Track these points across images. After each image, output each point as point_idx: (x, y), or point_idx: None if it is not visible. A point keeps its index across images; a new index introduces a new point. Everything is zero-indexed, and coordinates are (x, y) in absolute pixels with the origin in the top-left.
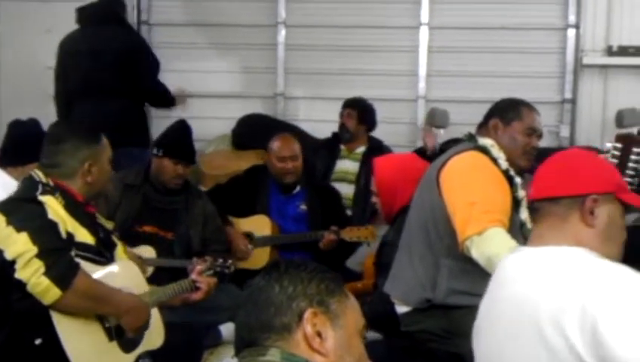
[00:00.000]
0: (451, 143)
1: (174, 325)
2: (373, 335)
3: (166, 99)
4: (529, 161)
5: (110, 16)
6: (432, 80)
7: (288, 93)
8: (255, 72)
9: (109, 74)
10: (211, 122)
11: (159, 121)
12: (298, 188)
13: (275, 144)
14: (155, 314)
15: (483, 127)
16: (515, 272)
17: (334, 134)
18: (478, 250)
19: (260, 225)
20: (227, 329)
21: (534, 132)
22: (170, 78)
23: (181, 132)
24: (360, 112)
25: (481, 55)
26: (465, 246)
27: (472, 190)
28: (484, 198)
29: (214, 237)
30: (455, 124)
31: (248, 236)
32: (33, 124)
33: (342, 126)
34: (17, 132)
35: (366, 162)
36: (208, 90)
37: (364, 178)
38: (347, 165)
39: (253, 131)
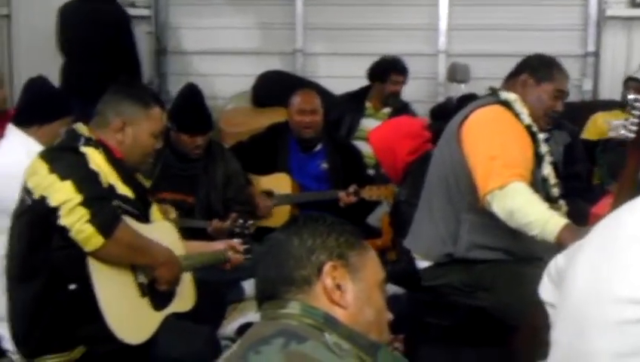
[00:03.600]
0: (468, 99)
1: (198, 282)
2: (395, 288)
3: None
4: (548, 124)
5: None
6: (453, 34)
7: (307, 50)
8: (273, 27)
9: (105, 41)
10: (230, 79)
11: (177, 78)
12: (319, 147)
13: (296, 98)
14: (187, 278)
15: (511, 80)
16: None
17: (362, 90)
18: (499, 204)
19: (280, 183)
20: (250, 285)
21: (561, 95)
22: (188, 34)
23: (191, 103)
24: (405, 77)
25: (503, 8)
26: (486, 201)
27: (494, 144)
28: (506, 153)
29: (236, 197)
30: (476, 78)
31: (268, 194)
32: (43, 82)
33: (394, 94)
34: (33, 91)
35: None
36: (226, 47)
37: None
38: (372, 124)
39: (273, 88)
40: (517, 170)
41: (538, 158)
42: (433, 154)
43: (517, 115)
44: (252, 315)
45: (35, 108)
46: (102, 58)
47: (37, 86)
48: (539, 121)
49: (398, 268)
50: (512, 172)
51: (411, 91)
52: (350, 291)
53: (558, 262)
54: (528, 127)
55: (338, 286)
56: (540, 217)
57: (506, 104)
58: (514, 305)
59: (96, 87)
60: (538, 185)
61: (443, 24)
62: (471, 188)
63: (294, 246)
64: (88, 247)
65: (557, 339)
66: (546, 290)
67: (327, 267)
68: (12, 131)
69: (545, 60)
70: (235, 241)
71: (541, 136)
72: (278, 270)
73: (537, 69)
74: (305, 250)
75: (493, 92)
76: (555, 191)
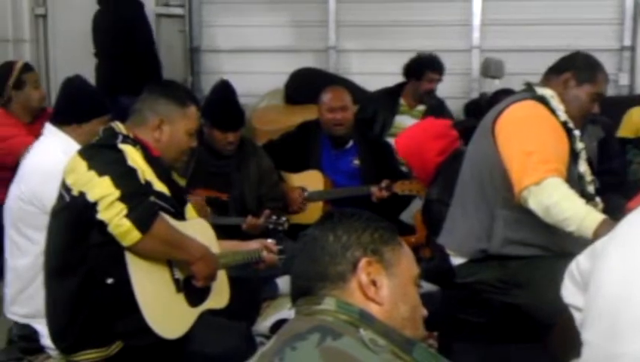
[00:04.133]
0: (502, 94)
1: (232, 279)
2: (429, 286)
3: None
4: (581, 125)
5: None
6: (487, 29)
7: (340, 47)
8: (306, 25)
9: (113, 42)
10: (263, 77)
11: (210, 76)
12: (351, 143)
13: (326, 95)
14: (222, 276)
15: (552, 76)
16: None
17: (397, 86)
18: (535, 200)
19: (312, 180)
20: (283, 282)
21: (599, 98)
22: (221, 33)
23: (223, 99)
24: (442, 74)
25: (537, 2)
26: (522, 197)
27: (529, 139)
28: (542, 148)
29: (270, 194)
30: (510, 73)
31: (301, 191)
32: (81, 81)
33: (429, 92)
34: (70, 90)
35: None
36: (259, 45)
37: None
38: (406, 121)
39: (306, 86)
40: (553, 165)
41: (574, 155)
42: (467, 150)
43: (553, 111)
44: (286, 312)
45: (72, 107)
46: (120, 59)
47: (74, 85)
48: (573, 121)
49: (432, 265)
50: (548, 167)
51: (445, 87)
52: (385, 287)
53: (579, 263)
54: (564, 124)
55: (373, 282)
56: (577, 213)
57: (542, 100)
58: (549, 302)
59: (117, 87)
60: (574, 182)
61: (476, 19)
62: (505, 183)
63: (329, 243)
64: (126, 242)
65: (588, 340)
66: (569, 293)
67: (362, 263)
68: (50, 130)
69: (590, 62)
70: (270, 241)
71: (577, 132)
72: (313, 266)
73: (582, 69)
74: (340, 246)
75: (529, 87)
76: (591, 189)
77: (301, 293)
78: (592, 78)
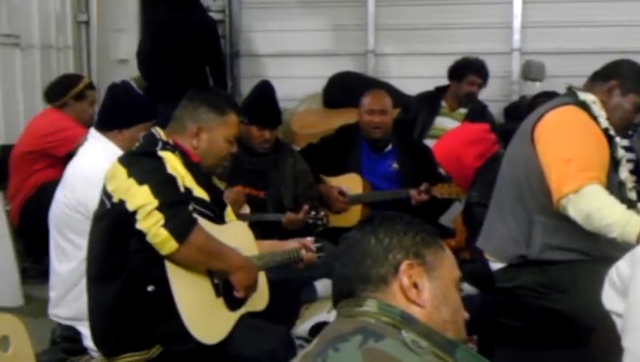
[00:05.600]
0: (543, 96)
1: (272, 281)
2: (469, 289)
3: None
4: (622, 133)
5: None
6: (527, 31)
7: (379, 50)
8: (345, 29)
9: (192, 50)
10: (302, 81)
11: (250, 81)
12: (390, 147)
13: (366, 98)
14: (262, 278)
15: (597, 82)
16: None
17: (438, 89)
18: (575, 208)
19: (351, 183)
20: (322, 285)
21: None
22: (260, 37)
23: (263, 96)
24: (485, 79)
25: (578, 4)
26: (561, 205)
27: (569, 146)
28: (581, 155)
29: (306, 194)
30: (551, 76)
31: (340, 194)
32: (125, 87)
33: (469, 95)
34: (113, 96)
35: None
36: (298, 49)
37: None
38: (447, 123)
39: (344, 90)
40: (593, 172)
41: (614, 162)
42: (505, 153)
43: (594, 118)
44: (324, 315)
45: (114, 112)
46: (190, 65)
47: (118, 90)
48: (614, 128)
49: (472, 268)
50: (587, 175)
51: (485, 90)
52: (427, 289)
53: (619, 268)
54: (605, 131)
55: (415, 285)
56: (620, 218)
57: (584, 105)
58: (591, 307)
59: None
60: (614, 188)
61: (517, 22)
62: (543, 189)
63: (371, 245)
64: (164, 251)
65: (628, 348)
66: (609, 299)
67: (403, 266)
68: (93, 135)
69: (636, 70)
70: (308, 240)
71: (618, 140)
72: (355, 268)
73: (628, 78)
74: (381, 248)
75: (571, 92)
76: (633, 195)
77: (343, 295)
78: (638, 88)
